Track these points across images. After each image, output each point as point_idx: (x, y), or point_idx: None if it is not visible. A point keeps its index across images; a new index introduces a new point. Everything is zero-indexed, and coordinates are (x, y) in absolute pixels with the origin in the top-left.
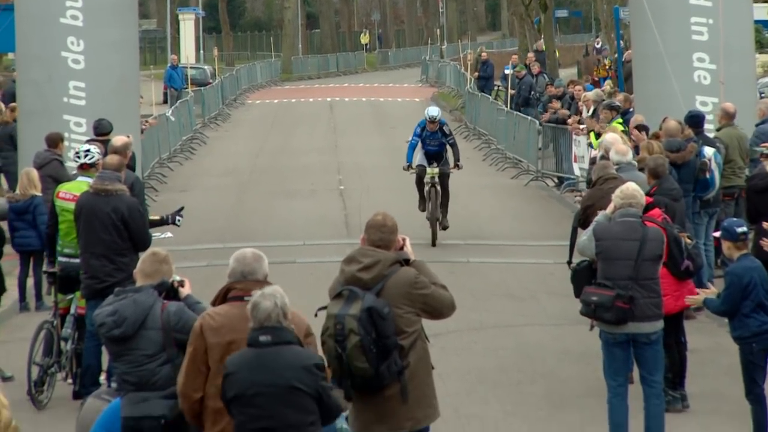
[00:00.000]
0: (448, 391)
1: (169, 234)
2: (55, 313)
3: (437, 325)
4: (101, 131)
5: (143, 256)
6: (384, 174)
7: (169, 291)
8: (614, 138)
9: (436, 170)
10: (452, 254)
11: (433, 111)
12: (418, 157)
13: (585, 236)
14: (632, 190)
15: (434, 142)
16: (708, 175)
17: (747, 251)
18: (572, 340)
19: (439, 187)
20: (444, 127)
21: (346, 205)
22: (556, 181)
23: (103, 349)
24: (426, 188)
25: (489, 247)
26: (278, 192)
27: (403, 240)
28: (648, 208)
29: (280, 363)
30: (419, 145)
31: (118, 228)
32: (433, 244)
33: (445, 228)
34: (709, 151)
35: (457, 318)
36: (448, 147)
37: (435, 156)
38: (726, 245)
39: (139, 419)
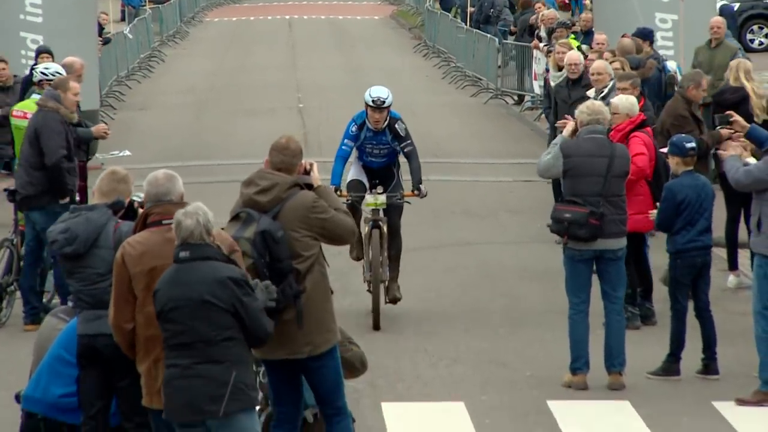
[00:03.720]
0: (408, 310)
1: (127, 152)
2: (16, 231)
3: None
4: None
5: (102, 174)
6: (343, 92)
7: (129, 211)
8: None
9: (383, 199)
10: None
11: (380, 91)
12: (352, 172)
13: (549, 156)
14: (598, 105)
15: (380, 150)
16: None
17: (691, 168)
18: (532, 258)
19: (385, 229)
20: (397, 125)
21: (306, 123)
22: (516, 99)
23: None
24: (365, 228)
25: (448, 165)
26: (237, 110)
27: (310, 165)
28: (643, 125)
29: (194, 277)
30: (354, 154)
31: (32, 141)
32: (376, 326)
33: (395, 301)
34: (672, 64)
35: (417, 236)
36: (398, 158)
37: (380, 173)
38: (675, 161)
39: (93, 336)
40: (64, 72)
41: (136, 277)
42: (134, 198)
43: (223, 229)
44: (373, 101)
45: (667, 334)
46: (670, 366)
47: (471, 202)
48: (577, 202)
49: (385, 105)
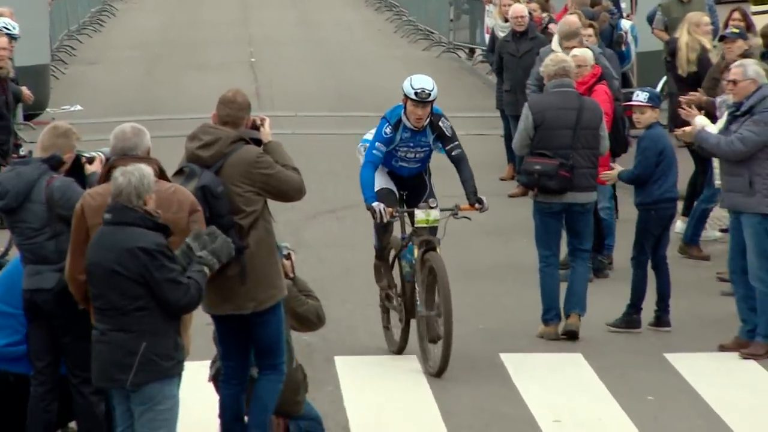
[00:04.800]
0: (361, 263)
1: (78, 107)
2: None
3: (350, 198)
4: None
5: (44, 128)
6: (295, 46)
7: (75, 166)
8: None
9: (435, 214)
10: (363, 126)
11: (424, 81)
12: (377, 179)
13: (518, 131)
14: (561, 55)
15: (415, 154)
16: (624, 48)
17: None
18: (485, 212)
19: (437, 255)
20: (442, 122)
21: (258, 77)
22: (468, 52)
23: None
24: (416, 253)
25: None
26: (189, 65)
27: (261, 120)
28: (601, 78)
29: (108, 243)
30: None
31: None
32: (442, 372)
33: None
34: (626, 23)
35: None
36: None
37: (411, 182)
38: (655, 113)
39: (34, 291)
40: (15, 25)
41: (93, 229)
42: (83, 153)
43: None
44: (416, 93)
45: (618, 287)
46: (631, 318)
47: None
48: (546, 155)
49: (430, 98)
